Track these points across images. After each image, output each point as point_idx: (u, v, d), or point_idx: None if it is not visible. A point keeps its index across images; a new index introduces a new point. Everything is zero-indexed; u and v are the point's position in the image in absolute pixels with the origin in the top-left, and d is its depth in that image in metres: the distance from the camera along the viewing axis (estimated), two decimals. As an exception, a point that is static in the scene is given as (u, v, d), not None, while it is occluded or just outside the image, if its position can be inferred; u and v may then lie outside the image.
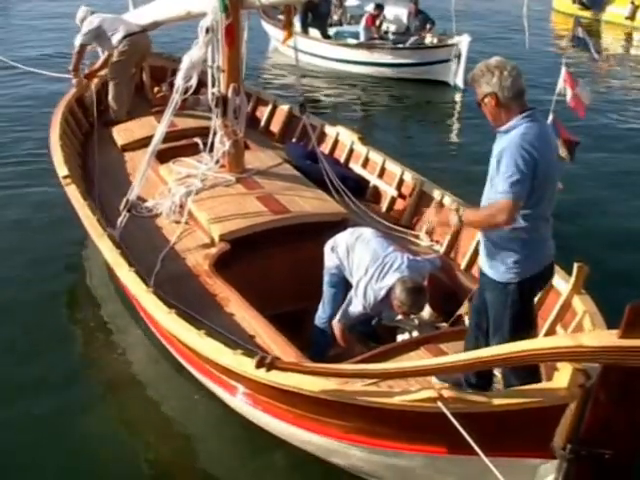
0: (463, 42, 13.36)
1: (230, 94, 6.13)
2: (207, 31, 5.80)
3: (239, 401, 4.37)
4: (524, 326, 3.78)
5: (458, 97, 13.58)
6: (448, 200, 6.12)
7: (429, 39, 14.52)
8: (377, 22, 14.84)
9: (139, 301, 4.80)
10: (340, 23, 16.26)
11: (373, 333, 5.38)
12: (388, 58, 14.41)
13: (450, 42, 13.73)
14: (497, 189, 3.53)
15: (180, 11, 7.21)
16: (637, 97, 13.94)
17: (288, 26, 6.88)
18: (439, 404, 3.19)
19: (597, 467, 3.10)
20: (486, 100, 3.60)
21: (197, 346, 4.17)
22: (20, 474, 4.55)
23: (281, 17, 15.93)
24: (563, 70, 4.65)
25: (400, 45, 14.62)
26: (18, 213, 7.88)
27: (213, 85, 6.12)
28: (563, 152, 4.65)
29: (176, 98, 5.83)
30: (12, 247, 7.17)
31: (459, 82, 13.59)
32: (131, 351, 5.70)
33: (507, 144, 3.54)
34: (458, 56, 13.46)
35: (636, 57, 17.96)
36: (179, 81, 5.86)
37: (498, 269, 3.79)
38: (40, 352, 5.60)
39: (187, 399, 5.07)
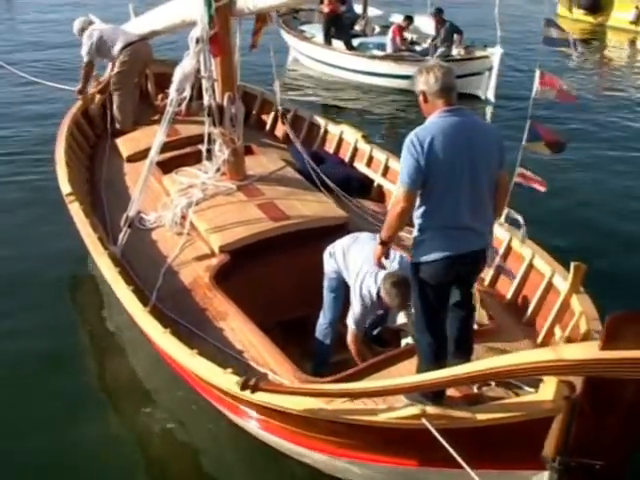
0: (495, 54, 12.79)
1: (226, 103, 6.12)
2: (197, 41, 5.78)
3: (236, 417, 4.39)
4: (430, 308, 3.87)
5: (489, 111, 12.86)
6: None
7: (455, 51, 13.89)
8: (405, 33, 14.29)
9: (136, 321, 4.83)
10: (364, 34, 15.64)
11: (378, 337, 5.36)
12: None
13: (481, 54, 13.23)
14: None
15: (176, 20, 7.20)
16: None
17: (257, 34, 6.78)
18: (424, 421, 3.16)
19: (588, 478, 3.05)
20: (420, 97, 3.82)
21: (189, 365, 4.19)
22: (19, 476, 4.67)
23: (302, 28, 15.95)
24: (537, 73, 4.56)
25: (428, 57, 13.76)
26: (28, 217, 8.02)
27: (207, 95, 6.10)
28: (545, 151, 4.67)
29: (170, 111, 5.82)
30: (21, 251, 7.31)
31: (490, 96, 13.09)
32: (134, 356, 5.80)
33: None
34: (489, 69, 12.92)
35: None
36: (172, 93, 5.86)
37: (412, 249, 3.93)
38: (42, 354, 5.74)
39: (188, 408, 5.12)
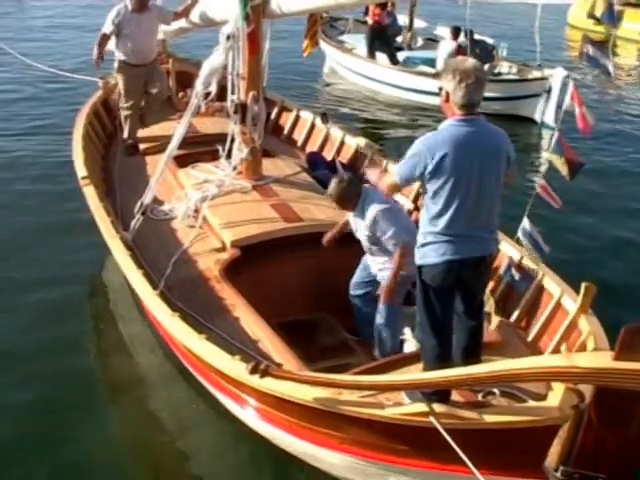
0: (556, 76, 11.92)
1: (249, 102, 6.17)
2: (228, 38, 5.84)
3: (239, 407, 4.37)
4: (433, 310, 3.91)
5: (546, 136, 11.80)
6: None
7: (505, 69, 13.08)
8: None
9: (145, 303, 4.83)
10: (408, 47, 14.89)
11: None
12: None
13: (540, 75, 12.43)
14: None
15: (204, 19, 7.28)
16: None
17: (312, 36, 6.79)
18: (431, 419, 3.17)
19: None
20: (442, 92, 3.85)
21: (196, 349, 4.19)
22: (22, 471, 4.59)
23: (341, 38, 15.55)
24: (571, 86, 4.61)
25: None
26: (40, 216, 7.95)
27: (233, 92, 6.16)
28: (564, 170, 4.70)
29: (195, 103, 5.87)
30: (34, 250, 7.23)
31: (548, 120, 12.11)
32: (140, 352, 5.77)
33: None
34: (548, 90, 12.11)
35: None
36: (198, 86, 5.91)
37: (416, 251, 3.99)
38: (51, 350, 5.67)
39: (190, 403, 5.10)
